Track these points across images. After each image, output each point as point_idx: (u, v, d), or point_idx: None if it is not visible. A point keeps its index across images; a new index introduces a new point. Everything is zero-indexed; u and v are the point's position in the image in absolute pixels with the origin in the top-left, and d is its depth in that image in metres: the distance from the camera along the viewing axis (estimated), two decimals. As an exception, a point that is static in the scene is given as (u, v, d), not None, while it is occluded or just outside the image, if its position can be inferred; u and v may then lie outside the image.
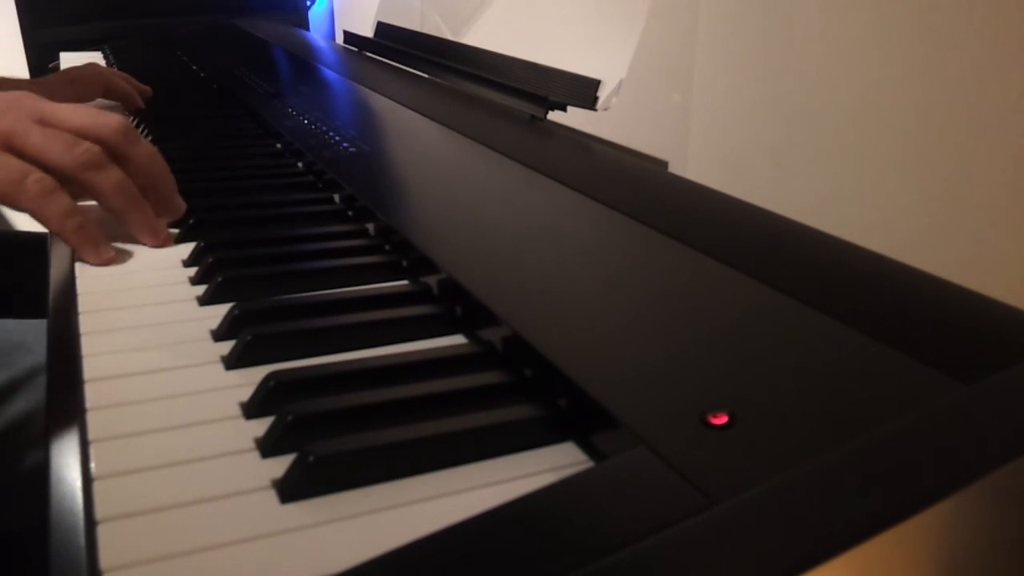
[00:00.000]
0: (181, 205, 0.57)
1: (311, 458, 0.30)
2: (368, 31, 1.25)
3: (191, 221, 0.56)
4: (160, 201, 0.56)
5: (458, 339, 0.42)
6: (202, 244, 0.52)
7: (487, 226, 0.49)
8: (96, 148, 0.52)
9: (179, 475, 0.31)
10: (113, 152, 0.53)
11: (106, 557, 0.26)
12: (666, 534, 0.24)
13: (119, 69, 0.99)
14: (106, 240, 0.52)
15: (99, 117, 0.54)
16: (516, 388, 0.36)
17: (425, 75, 1.02)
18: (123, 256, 0.53)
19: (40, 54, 1.47)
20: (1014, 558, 0.27)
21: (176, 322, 0.43)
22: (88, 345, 0.41)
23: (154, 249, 0.54)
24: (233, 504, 0.29)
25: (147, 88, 0.95)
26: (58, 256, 0.53)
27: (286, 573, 0.26)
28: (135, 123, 0.91)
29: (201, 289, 0.47)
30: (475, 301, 0.40)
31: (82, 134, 0.52)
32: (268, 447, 0.32)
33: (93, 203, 0.54)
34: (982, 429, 0.27)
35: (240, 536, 0.28)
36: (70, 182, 0.52)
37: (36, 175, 0.50)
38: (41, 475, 0.32)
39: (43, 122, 0.52)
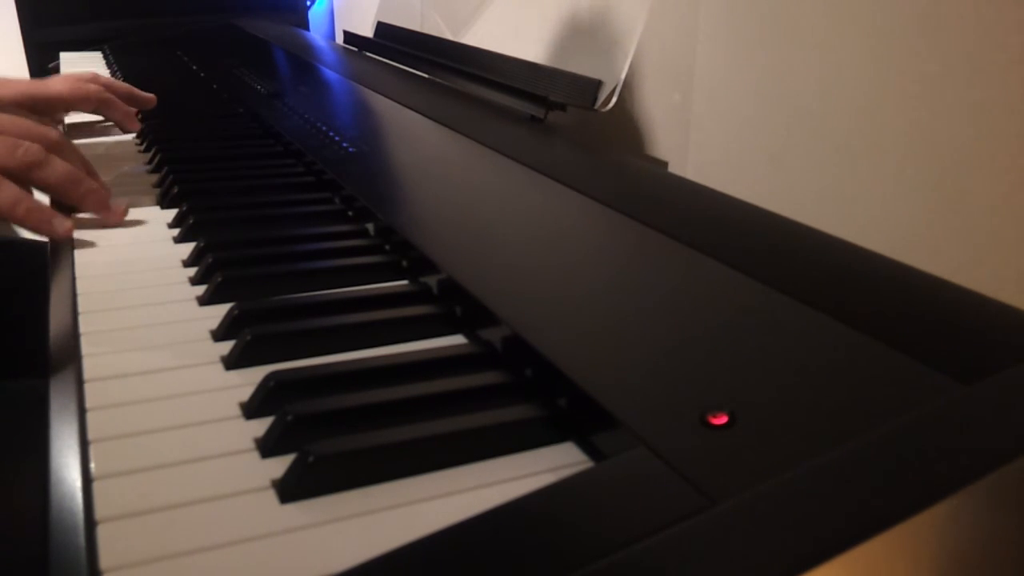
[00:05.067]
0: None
1: (311, 458, 0.30)
2: (368, 31, 1.25)
3: (191, 221, 0.56)
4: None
5: (458, 339, 0.42)
6: (202, 244, 0.52)
7: (487, 226, 0.49)
8: (36, 147, 0.55)
9: (179, 475, 0.31)
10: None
11: (106, 557, 0.26)
12: (666, 534, 0.24)
13: (119, 69, 0.98)
14: (59, 214, 0.55)
15: (34, 127, 0.57)
16: (516, 388, 0.36)
17: (425, 75, 1.02)
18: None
19: (40, 54, 1.47)
20: (1014, 558, 0.27)
21: (176, 322, 0.43)
22: (88, 345, 0.41)
23: (154, 249, 0.54)
24: (233, 504, 0.29)
25: (151, 96, 0.93)
26: (58, 258, 0.53)
27: (286, 573, 0.26)
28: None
29: (201, 289, 0.47)
30: (475, 301, 0.40)
31: (23, 137, 0.56)
32: (268, 447, 0.32)
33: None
34: (982, 429, 0.27)
35: (240, 536, 0.28)
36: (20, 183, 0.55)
37: None
38: (41, 475, 0.32)
39: None
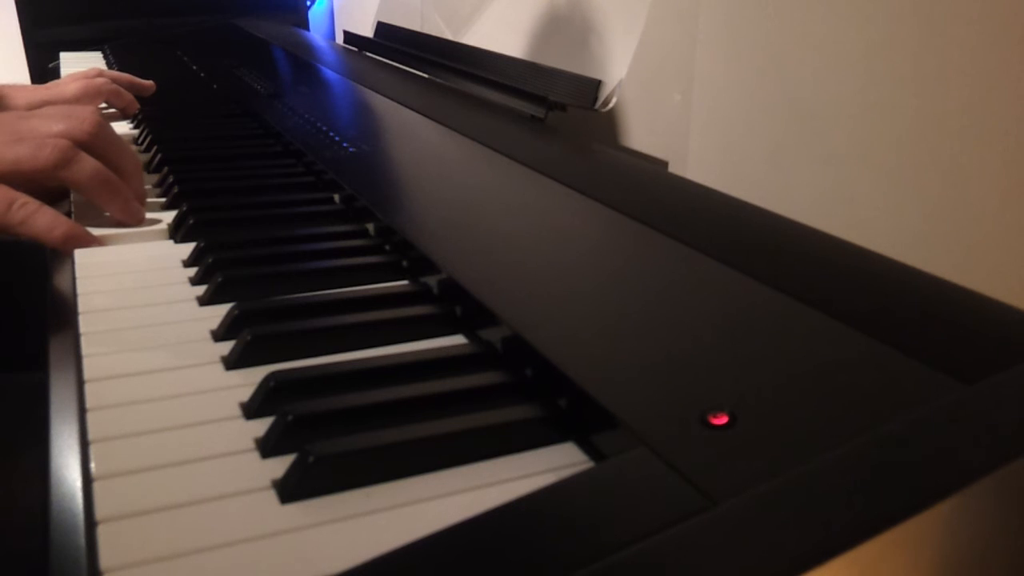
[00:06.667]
0: (143, 192, 0.62)
1: (311, 458, 0.30)
2: (368, 31, 1.25)
3: (191, 221, 0.56)
4: (131, 188, 0.59)
5: (458, 339, 0.42)
6: (202, 244, 0.52)
7: (487, 226, 0.49)
8: (63, 143, 0.55)
9: (179, 475, 0.31)
10: (87, 149, 0.57)
11: (106, 557, 0.26)
12: (666, 534, 0.24)
13: (119, 69, 0.99)
14: (89, 234, 0.55)
15: (71, 120, 0.57)
16: (516, 388, 0.36)
17: (425, 75, 1.02)
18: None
19: (40, 54, 1.47)
20: (1014, 558, 0.27)
21: (176, 322, 0.43)
22: (88, 345, 0.41)
23: (154, 249, 0.54)
24: (233, 504, 0.29)
25: (151, 83, 0.96)
26: (58, 258, 0.53)
27: (286, 573, 0.26)
28: (136, 123, 0.91)
29: (201, 289, 0.47)
30: (475, 301, 0.40)
31: (66, 124, 0.56)
32: (268, 447, 0.32)
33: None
34: (982, 429, 0.27)
35: (240, 536, 0.28)
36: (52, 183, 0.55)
37: (20, 201, 0.53)
38: (41, 475, 0.32)
39: (19, 139, 0.55)
